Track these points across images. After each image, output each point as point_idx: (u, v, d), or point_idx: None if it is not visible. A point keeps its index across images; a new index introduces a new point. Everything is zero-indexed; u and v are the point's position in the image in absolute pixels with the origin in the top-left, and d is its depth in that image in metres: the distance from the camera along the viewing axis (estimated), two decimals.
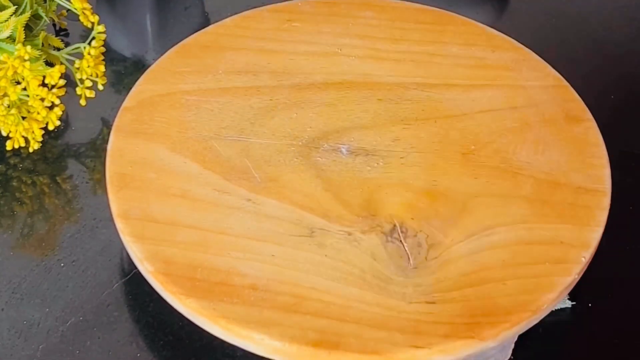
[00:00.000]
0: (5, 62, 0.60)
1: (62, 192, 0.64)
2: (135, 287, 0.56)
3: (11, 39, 0.63)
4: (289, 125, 0.60)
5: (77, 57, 0.65)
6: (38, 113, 0.63)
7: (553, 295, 0.51)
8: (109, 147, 0.58)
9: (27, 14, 0.64)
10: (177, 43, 0.66)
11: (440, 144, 0.60)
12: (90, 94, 0.65)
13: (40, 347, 0.53)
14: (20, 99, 0.63)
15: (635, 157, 0.66)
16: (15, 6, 0.64)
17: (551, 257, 0.53)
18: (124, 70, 0.73)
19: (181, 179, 0.56)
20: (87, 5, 0.66)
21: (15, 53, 0.60)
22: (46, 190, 0.63)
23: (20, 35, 0.62)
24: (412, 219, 0.55)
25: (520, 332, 0.51)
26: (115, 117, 0.60)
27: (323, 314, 0.49)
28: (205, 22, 0.77)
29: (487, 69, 0.65)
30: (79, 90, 0.65)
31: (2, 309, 0.55)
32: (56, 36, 0.72)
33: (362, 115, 0.61)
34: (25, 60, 0.60)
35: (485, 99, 0.63)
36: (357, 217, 0.55)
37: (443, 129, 0.61)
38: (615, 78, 0.74)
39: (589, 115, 0.62)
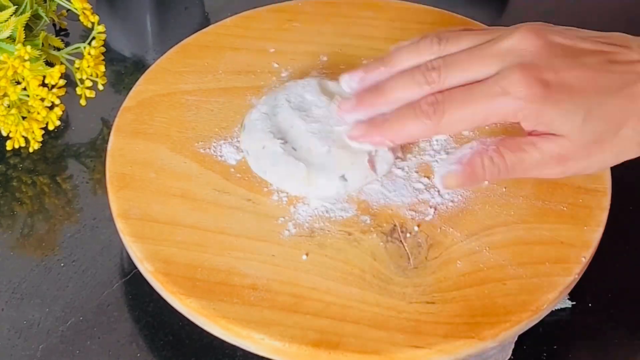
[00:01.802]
0: (5, 62, 0.60)
1: (62, 192, 0.64)
2: (135, 287, 0.56)
3: (11, 39, 0.63)
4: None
5: (77, 57, 0.65)
6: (38, 113, 0.63)
7: (553, 295, 0.51)
8: (109, 147, 0.58)
9: (27, 14, 0.64)
10: (177, 43, 0.66)
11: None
12: (90, 94, 0.65)
13: (40, 347, 0.53)
14: (20, 99, 0.63)
15: (635, 157, 0.66)
16: (15, 6, 0.64)
17: (551, 257, 0.53)
18: (124, 70, 0.73)
19: (181, 179, 0.56)
20: (87, 5, 0.66)
21: (15, 53, 0.60)
22: (46, 190, 0.63)
23: (20, 35, 0.62)
24: (412, 218, 0.55)
25: (520, 332, 0.51)
26: (115, 117, 0.60)
27: (323, 314, 0.49)
28: (205, 22, 0.77)
29: None
30: (79, 90, 0.65)
31: (2, 309, 0.55)
32: (56, 36, 0.72)
33: None
34: (25, 60, 0.60)
35: None
36: (357, 217, 0.55)
37: None
38: None
39: None
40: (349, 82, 0.55)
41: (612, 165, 0.52)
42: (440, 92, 0.50)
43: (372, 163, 0.55)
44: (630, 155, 0.50)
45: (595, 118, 0.48)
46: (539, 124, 0.49)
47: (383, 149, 0.56)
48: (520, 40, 0.49)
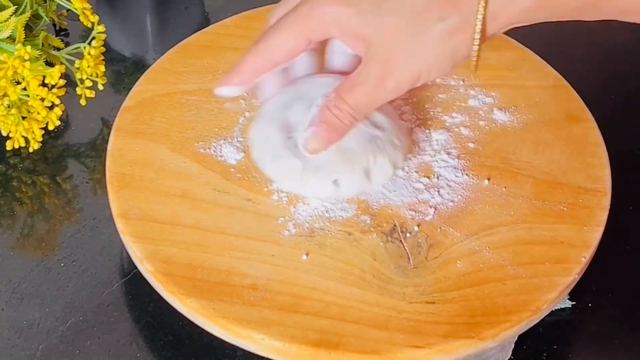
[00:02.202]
0: (5, 62, 0.60)
1: (62, 192, 0.64)
2: (135, 287, 0.56)
3: (11, 39, 0.63)
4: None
5: (77, 57, 0.65)
6: (38, 113, 0.63)
7: (553, 295, 0.51)
8: (109, 147, 0.58)
9: (27, 14, 0.64)
10: (177, 43, 0.66)
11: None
12: (90, 94, 0.65)
13: (40, 347, 0.53)
14: (20, 99, 0.63)
15: (635, 157, 0.66)
16: (15, 6, 0.64)
17: (551, 257, 0.53)
18: (124, 70, 0.73)
19: (181, 179, 0.56)
20: (87, 5, 0.66)
21: (15, 53, 0.60)
22: (46, 190, 0.63)
23: (20, 35, 0.62)
24: (412, 218, 0.55)
25: (520, 332, 0.51)
26: (115, 117, 0.60)
27: (323, 314, 0.49)
28: (205, 22, 0.77)
29: (487, 69, 0.64)
30: (79, 90, 0.65)
31: (2, 309, 0.55)
32: (56, 36, 0.72)
33: None
34: (25, 60, 0.60)
35: (485, 99, 0.63)
36: (357, 217, 0.55)
37: (443, 128, 0.61)
38: (615, 78, 0.74)
39: (589, 115, 0.62)
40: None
41: (443, 68, 0.52)
42: None
43: (367, 173, 0.55)
44: (445, 52, 0.50)
45: (391, 12, 0.50)
46: (346, 27, 0.51)
47: (382, 160, 0.56)
48: None
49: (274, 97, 0.58)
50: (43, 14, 0.67)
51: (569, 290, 0.52)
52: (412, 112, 0.62)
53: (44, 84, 0.62)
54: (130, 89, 0.62)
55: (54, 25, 0.74)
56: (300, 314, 0.49)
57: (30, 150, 0.64)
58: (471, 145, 0.59)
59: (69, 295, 0.56)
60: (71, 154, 0.66)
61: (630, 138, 0.68)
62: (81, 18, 0.66)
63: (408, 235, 0.54)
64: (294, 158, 0.55)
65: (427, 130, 0.60)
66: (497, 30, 0.50)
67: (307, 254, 0.52)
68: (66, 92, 0.64)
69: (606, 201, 0.56)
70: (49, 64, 0.65)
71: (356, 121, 0.53)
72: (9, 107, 0.62)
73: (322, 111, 0.54)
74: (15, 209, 0.62)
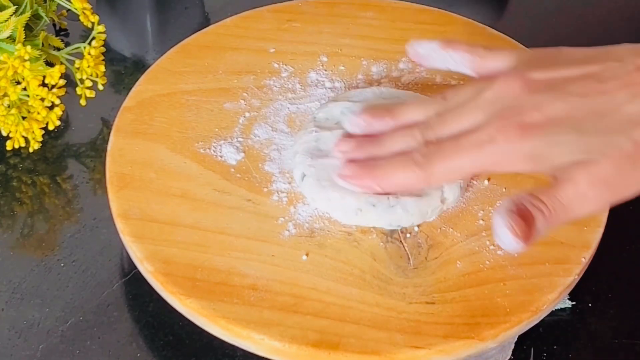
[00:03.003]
0: (5, 62, 0.60)
1: (62, 192, 0.64)
2: (135, 287, 0.56)
3: (11, 39, 0.63)
4: (289, 125, 0.60)
5: (77, 57, 0.65)
6: (38, 113, 0.63)
7: (553, 295, 0.51)
8: (109, 147, 0.58)
9: (27, 14, 0.64)
10: (177, 43, 0.66)
11: None
12: (90, 94, 0.65)
13: (40, 347, 0.53)
14: (20, 99, 0.63)
15: None
16: (15, 6, 0.64)
17: (551, 257, 0.53)
18: (124, 70, 0.73)
19: (181, 179, 0.56)
20: (87, 5, 0.66)
21: (15, 53, 0.60)
22: (46, 190, 0.63)
23: (20, 35, 0.62)
24: None
25: (520, 332, 0.51)
26: (115, 117, 0.60)
27: (323, 314, 0.49)
28: (205, 22, 0.77)
29: None
30: (79, 90, 0.65)
31: (2, 309, 0.55)
32: (56, 36, 0.72)
33: None
34: (25, 60, 0.60)
35: None
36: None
37: None
38: None
39: None
40: (355, 122, 0.55)
41: None
42: (431, 142, 0.51)
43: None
44: None
45: (594, 136, 0.47)
46: (539, 162, 0.48)
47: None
48: (501, 88, 0.50)
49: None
50: (43, 14, 0.67)
51: (569, 290, 0.52)
52: None
53: (44, 84, 0.62)
54: (130, 89, 0.63)
55: (54, 25, 0.74)
56: (300, 314, 0.49)
57: (30, 150, 0.64)
58: None
59: (69, 295, 0.56)
60: (71, 154, 0.66)
61: None
62: (81, 18, 0.66)
63: (408, 235, 0.54)
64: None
65: None
66: None
67: (307, 254, 0.52)
68: (66, 92, 0.64)
69: None
70: (49, 64, 0.65)
71: (547, 229, 0.47)
72: (9, 107, 0.62)
73: (520, 212, 0.46)
74: (15, 209, 0.62)
